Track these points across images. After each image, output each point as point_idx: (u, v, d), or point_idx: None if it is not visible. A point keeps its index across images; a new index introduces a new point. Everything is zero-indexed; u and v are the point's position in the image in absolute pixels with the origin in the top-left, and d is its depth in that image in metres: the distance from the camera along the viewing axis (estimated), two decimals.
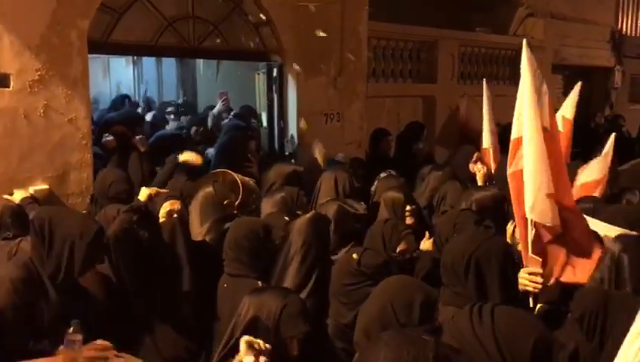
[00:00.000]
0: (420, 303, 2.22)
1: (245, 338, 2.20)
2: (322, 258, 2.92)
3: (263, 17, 5.71)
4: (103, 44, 4.84)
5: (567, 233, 2.85)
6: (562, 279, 2.81)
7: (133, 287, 2.98)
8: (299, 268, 2.84)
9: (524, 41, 2.93)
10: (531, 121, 2.83)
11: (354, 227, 3.35)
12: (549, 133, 2.87)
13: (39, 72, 4.27)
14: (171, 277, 2.95)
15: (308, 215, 3.04)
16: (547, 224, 2.80)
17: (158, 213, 3.18)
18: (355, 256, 2.69)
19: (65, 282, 2.76)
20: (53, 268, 2.74)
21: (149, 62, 8.70)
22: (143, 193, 3.47)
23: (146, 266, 2.97)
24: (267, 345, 2.18)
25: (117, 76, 8.63)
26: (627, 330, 1.78)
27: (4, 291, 2.68)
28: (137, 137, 4.85)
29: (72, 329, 2.68)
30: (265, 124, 6.41)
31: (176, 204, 3.18)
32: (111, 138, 4.94)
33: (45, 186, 4.34)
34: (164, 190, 3.73)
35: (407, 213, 3.80)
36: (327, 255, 2.96)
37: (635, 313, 1.95)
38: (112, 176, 4.08)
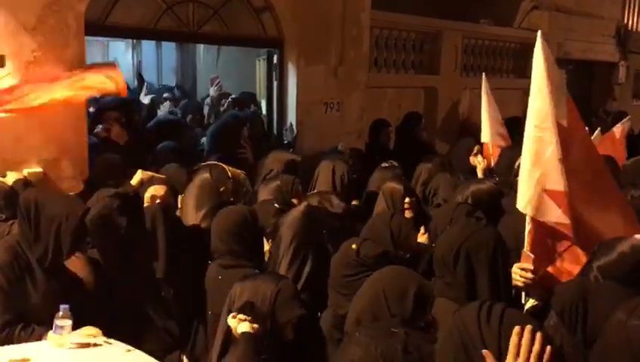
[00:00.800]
0: (414, 294, 2.21)
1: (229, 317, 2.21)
2: (314, 251, 2.86)
3: (264, 3, 5.64)
4: (101, 27, 4.78)
5: (573, 235, 2.76)
6: (549, 280, 2.76)
7: (112, 271, 2.94)
8: (290, 263, 2.80)
9: (539, 33, 2.84)
10: (539, 112, 2.75)
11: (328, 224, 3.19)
12: (564, 127, 2.77)
13: (35, 53, 4.21)
14: (150, 263, 2.91)
15: (299, 208, 2.99)
16: (540, 219, 2.74)
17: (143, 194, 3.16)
18: (354, 246, 2.65)
19: (52, 264, 2.73)
20: (41, 250, 2.71)
21: (148, 46, 8.65)
22: (136, 177, 3.43)
23: (124, 251, 2.94)
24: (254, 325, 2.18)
25: (116, 60, 8.56)
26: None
27: None
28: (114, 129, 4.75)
29: (60, 314, 2.66)
30: (264, 111, 6.37)
31: (160, 190, 3.14)
32: (100, 129, 4.90)
33: (39, 169, 4.29)
34: (159, 175, 3.68)
35: (406, 205, 3.75)
36: (321, 248, 2.89)
37: (616, 301, 1.92)
38: (110, 163, 4.00)
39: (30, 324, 2.70)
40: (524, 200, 2.77)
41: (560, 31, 9.71)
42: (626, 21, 11.48)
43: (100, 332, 2.74)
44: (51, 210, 2.72)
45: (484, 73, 6.35)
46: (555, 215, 2.73)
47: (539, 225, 2.76)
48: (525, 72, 9.32)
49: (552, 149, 2.71)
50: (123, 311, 2.96)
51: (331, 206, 3.48)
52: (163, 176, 3.64)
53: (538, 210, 2.74)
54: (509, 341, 1.68)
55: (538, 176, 2.73)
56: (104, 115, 5.21)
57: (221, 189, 3.44)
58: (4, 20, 4.09)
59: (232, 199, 3.52)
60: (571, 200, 2.72)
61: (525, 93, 9.46)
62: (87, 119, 4.69)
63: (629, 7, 11.56)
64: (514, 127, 6.66)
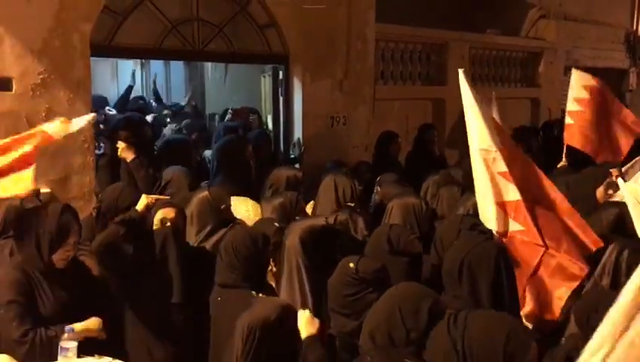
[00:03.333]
0: (428, 309, 2.22)
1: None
2: (317, 270, 2.83)
3: (269, 19, 5.67)
4: (107, 48, 4.82)
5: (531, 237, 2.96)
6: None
7: (121, 295, 2.94)
8: (291, 280, 2.79)
9: (461, 72, 3.16)
10: (478, 137, 3.07)
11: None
12: (505, 149, 3.05)
13: (41, 76, 4.26)
14: (160, 287, 2.89)
15: (304, 225, 2.96)
16: (499, 231, 2.99)
17: (152, 217, 3.14)
18: (351, 264, 2.62)
19: (49, 267, 2.80)
20: (35, 258, 2.79)
21: (156, 64, 8.71)
22: (141, 202, 3.39)
23: (133, 278, 2.93)
24: None
25: (125, 78, 8.65)
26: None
27: (3, 291, 2.74)
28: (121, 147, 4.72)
29: (65, 336, 2.67)
30: (270, 127, 6.37)
31: (170, 213, 3.11)
32: (103, 147, 4.95)
33: (47, 190, 4.31)
34: (163, 196, 3.65)
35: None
36: (324, 267, 2.85)
37: None
38: (127, 196, 3.63)
39: (48, 327, 2.74)
40: (484, 218, 3.05)
41: (568, 39, 9.66)
42: (634, 28, 11.41)
43: (101, 322, 2.80)
44: (33, 217, 2.85)
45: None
46: (509, 224, 2.96)
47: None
48: (534, 81, 9.31)
49: (493, 166, 3.00)
50: (133, 337, 2.96)
51: (355, 230, 3.47)
52: (167, 197, 3.61)
53: (496, 223, 2.98)
54: (474, 337, 1.87)
55: (486, 192, 3.01)
56: (114, 134, 5.24)
57: (222, 207, 3.41)
58: (11, 43, 4.14)
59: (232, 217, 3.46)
60: (522, 208, 2.95)
61: (534, 101, 9.55)
62: (96, 139, 4.71)
63: (638, 14, 11.49)
64: (523, 135, 6.63)
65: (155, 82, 8.58)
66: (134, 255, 2.94)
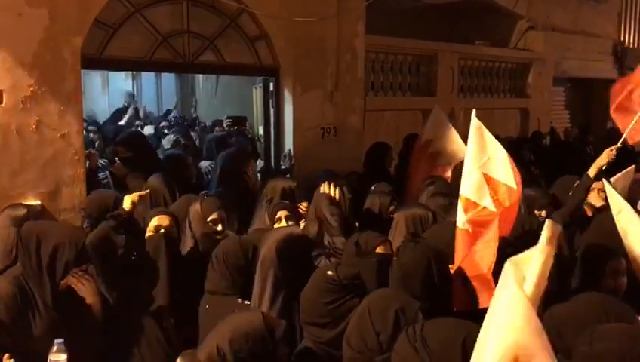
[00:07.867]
0: (395, 310, 2.26)
1: None
2: (291, 279, 2.84)
3: (259, 32, 5.71)
4: (97, 60, 4.84)
5: None
6: None
7: (112, 296, 2.94)
8: (262, 293, 2.81)
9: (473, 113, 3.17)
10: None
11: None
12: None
13: (32, 88, 4.27)
14: (150, 292, 2.91)
15: (280, 233, 2.98)
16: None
17: (147, 224, 3.17)
18: (329, 272, 2.65)
19: (53, 294, 2.73)
20: (41, 281, 2.72)
21: (147, 75, 8.75)
22: (127, 201, 3.43)
23: (124, 276, 2.94)
24: None
25: (116, 89, 8.67)
26: None
27: None
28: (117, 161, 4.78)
29: (55, 349, 2.66)
30: (262, 138, 6.41)
31: (165, 220, 3.15)
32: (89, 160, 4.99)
33: (37, 202, 4.32)
34: (145, 191, 3.66)
35: None
36: (298, 275, 2.86)
37: None
38: (110, 195, 3.89)
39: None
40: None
41: (556, 50, 9.77)
42: (622, 38, 11.55)
43: None
44: (53, 239, 2.72)
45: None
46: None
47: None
48: (523, 92, 9.40)
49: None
50: (124, 340, 2.96)
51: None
52: (147, 191, 3.62)
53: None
54: (434, 346, 1.97)
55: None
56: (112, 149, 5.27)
57: (208, 219, 3.44)
58: (1, 56, 4.15)
59: (219, 229, 3.47)
60: None
61: (523, 112, 9.61)
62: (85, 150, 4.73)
63: (625, 25, 11.64)
64: (512, 147, 6.70)
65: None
66: (126, 248, 2.96)
